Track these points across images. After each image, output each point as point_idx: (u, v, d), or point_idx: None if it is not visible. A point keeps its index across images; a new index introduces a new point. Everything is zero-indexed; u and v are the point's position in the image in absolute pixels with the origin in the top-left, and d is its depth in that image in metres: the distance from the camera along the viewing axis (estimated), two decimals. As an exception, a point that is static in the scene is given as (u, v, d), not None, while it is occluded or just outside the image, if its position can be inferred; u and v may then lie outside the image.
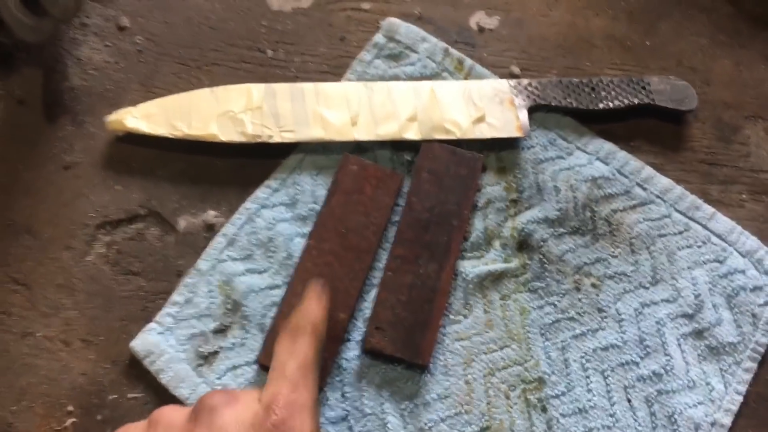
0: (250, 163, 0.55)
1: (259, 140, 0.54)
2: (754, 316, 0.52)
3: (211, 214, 0.54)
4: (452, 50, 0.59)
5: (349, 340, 0.50)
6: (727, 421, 0.50)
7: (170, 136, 0.53)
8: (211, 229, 0.53)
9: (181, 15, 0.60)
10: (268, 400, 0.38)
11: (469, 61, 0.59)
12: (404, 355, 0.48)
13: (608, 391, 0.50)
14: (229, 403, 0.38)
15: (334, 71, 0.59)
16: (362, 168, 0.53)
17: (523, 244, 0.54)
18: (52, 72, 0.57)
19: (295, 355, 0.41)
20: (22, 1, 0.50)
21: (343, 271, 0.50)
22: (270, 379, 0.40)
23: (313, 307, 0.44)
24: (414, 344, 0.49)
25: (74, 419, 0.48)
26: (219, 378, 0.48)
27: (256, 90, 0.55)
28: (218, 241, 0.52)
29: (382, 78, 0.58)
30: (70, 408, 0.48)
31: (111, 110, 0.55)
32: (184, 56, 0.59)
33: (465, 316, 0.51)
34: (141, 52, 0.59)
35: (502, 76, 0.59)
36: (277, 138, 0.54)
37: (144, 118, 0.54)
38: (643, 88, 0.57)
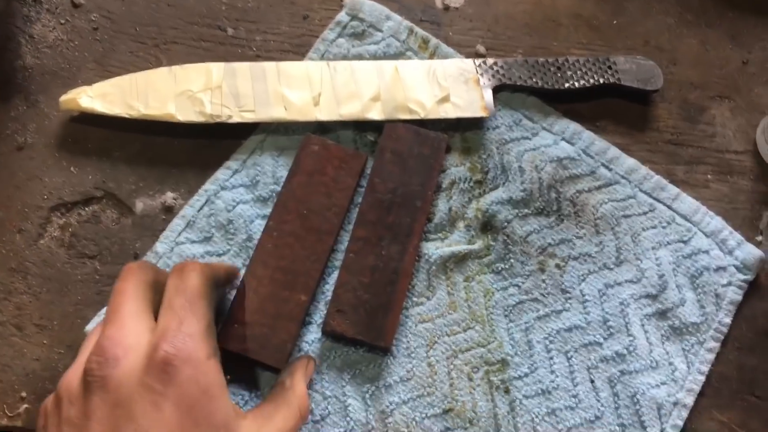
0: (209, 144, 0.54)
1: (218, 120, 0.52)
2: (717, 296, 0.52)
3: (169, 196, 0.52)
4: (417, 29, 0.58)
5: (310, 323, 0.50)
6: (690, 401, 0.49)
7: (126, 116, 0.52)
8: (169, 211, 0.52)
9: (138, -9, 0.59)
10: (156, 339, 0.37)
11: (434, 41, 0.58)
12: (366, 337, 0.48)
13: (571, 372, 0.50)
14: (125, 355, 0.36)
15: (296, 50, 0.58)
16: (324, 148, 0.52)
17: (487, 225, 0.53)
18: (3, 50, 0.56)
19: (181, 289, 0.39)
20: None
21: (304, 253, 0.49)
22: (159, 317, 0.39)
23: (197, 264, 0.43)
24: (376, 327, 0.48)
25: (27, 405, 0.47)
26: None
27: (215, 69, 0.54)
28: (176, 223, 0.51)
29: (345, 57, 0.57)
30: (23, 394, 0.47)
31: (65, 89, 0.53)
32: (141, 34, 0.57)
33: (428, 298, 0.51)
34: (96, 29, 0.57)
35: (467, 56, 0.58)
36: (237, 118, 0.53)
37: (99, 97, 0.53)
38: (609, 67, 0.57)
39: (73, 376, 0.38)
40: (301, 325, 0.48)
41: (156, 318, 0.39)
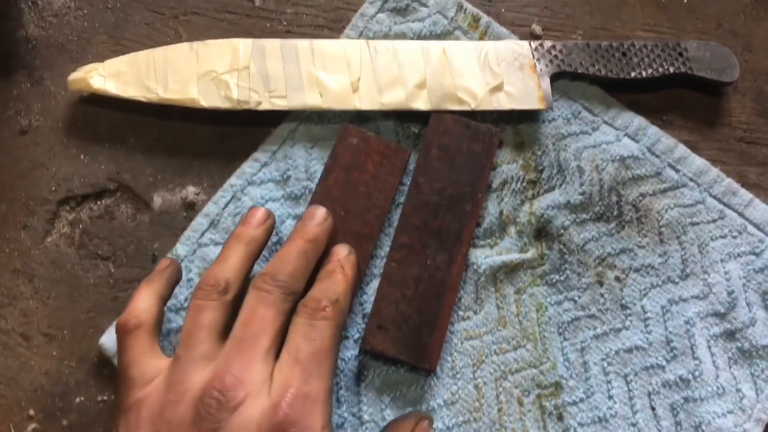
0: (235, 132, 0.48)
1: (246, 107, 0.47)
2: (790, 316, 0.47)
3: (190, 191, 0.47)
4: (467, 4, 0.52)
5: (346, 337, 0.45)
6: (758, 431, 0.45)
7: (143, 100, 0.46)
8: (190, 208, 0.47)
9: (155, -47, 0.52)
10: (277, 395, 0.35)
11: (485, 18, 0.52)
12: (408, 358, 0.43)
13: (630, 398, 0.45)
14: (244, 401, 0.34)
15: (331, 26, 0.52)
16: (364, 141, 0.47)
17: (542, 231, 0.48)
18: (4, 19, 0.50)
19: (311, 338, 0.37)
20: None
21: None
22: (280, 366, 0.36)
23: (337, 281, 0.40)
24: (419, 346, 0.44)
25: (36, 425, 0.43)
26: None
27: (242, 46, 0.48)
28: (199, 222, 0.46)
29: (387, 36, 0.51)
30: (31, 412, 0.43)
31: (73, 65, 0.48)
32: (159, 3, 0.51)
33: (475, 312, 0.46)
34: (108, -4, 0.51)
35: (521, 37, 0.52)
36: (266, 105, 0.47)
37: (112, 77, 0.47)
38: (680, 54, 0.51)
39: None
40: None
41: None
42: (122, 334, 0.38)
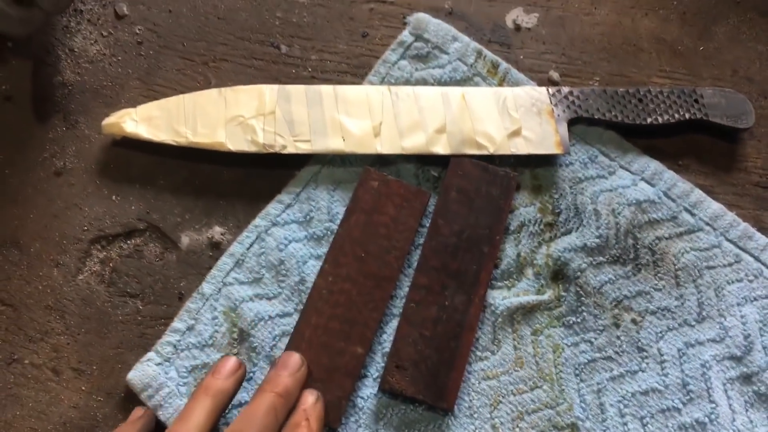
0: (260, 174, 0.50)
1: (271, 150, 0.49)
2: (807, 360, 0.48)
3: (216, 231, 0.49)
4: (486, 52, 0.53)
5: (365, 376, 0.46)
6: (775, 476, 0.46)
7: (173, 143, 0.48)
8: (216, 248, 0.49)
9: (186, 3, 0.54)
10: None
11: (504, 65, 0.53)
12: (426, 397, 0.44)
13: (647, 441, 0.46)
14: None
15: (354, 72, 0.53)
16: (384, 184, 0.48)
17: (559, 273, 0.49)
18: (42, 65, 0.52)
19: None
20: (7, -9, 0.44)
21: (361, 301, 0.46)
22: None
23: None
24: (437, 385, 0.44)
25: (64, 458, 0.44)
26: (223, 417, 0.44)
27: (269, 92, 0.50)
28: (224, 261, 0.48)
29: (408, 81, 0.53)
30: (60, 445, 0.44)
31: (107, 109, 0.50)
32: (189, 50, 0.53)
33: (493, 353, 0.47)
34: (141, 44, 0.53)
35: (540, 83, 0.53)
36: (291, 148, 0.49)
37: (144, 121, 0.49)
38: (696, 101, 0.52)
39: None
40: (356, 380, 0.45)
41: None
42: None
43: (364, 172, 0.49)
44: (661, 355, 0.47)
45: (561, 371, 0.47)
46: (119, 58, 0.53)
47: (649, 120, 0.51)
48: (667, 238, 0.50)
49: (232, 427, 0.39)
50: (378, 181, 0.48)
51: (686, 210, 0.51)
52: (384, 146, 0.49)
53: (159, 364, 0.45)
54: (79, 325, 0.47)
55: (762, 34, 0.56)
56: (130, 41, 0.53)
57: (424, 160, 0.51)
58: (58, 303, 0.47)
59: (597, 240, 0.49)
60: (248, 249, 0.48)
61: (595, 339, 0.48)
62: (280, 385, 0.41)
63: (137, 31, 0.53)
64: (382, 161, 0.50)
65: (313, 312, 0.45)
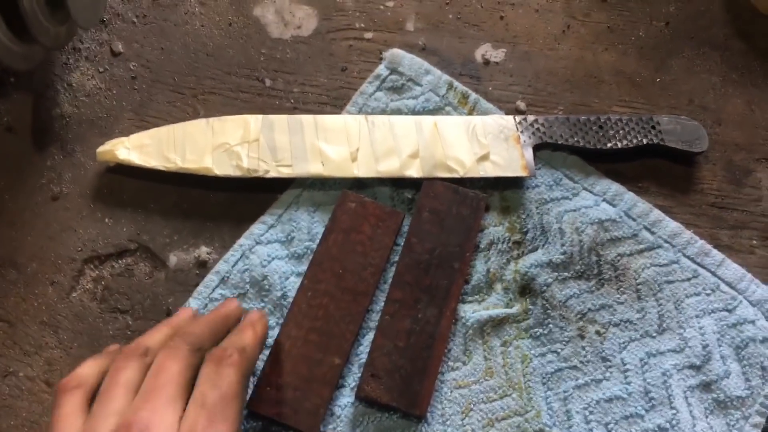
0: (244, 198, 0.53)
1: (255, 175, 0.52)
2: (763, 368, 0.50)
3: (203, 251, 0.52)
4: (456, 83, 0.57)
5: (343, 386, 0.48)
6: (735, 479, 0.48)
7: (163, 169, 0.52)
8: (203, 266, 0.51)
9: (177, 41, 0.58)
10: None
11: (473, 96, 0.57)
12: (400, 404, 0.47)
13: (612, 446, 0.48)
14: None
15: (334, 103, 0.57)
16: (361, 205, 0.51)
17: (526, 288, 0.52)
18: (41, 98, 0.56)
19: (217, 385, 0.38)
20: (10, 28, 0.48)
21: (339, 314, 0.49)
22: (187, 412, 0.36)
23: (246, 335, 0.42)
24: (411, 393, 0.47)
25: (55, 466, 0.46)
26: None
27: (253, 121, 0.54)
28: (210, 278, 0.51)
29: (384, 111, 0.56)
30: (52, 454, 0.46)
31: (102, 139, 0.53)
32: (180, 84, 0.57)
33: (464, 363, 0.50)
34: (135, 78, 0.57)
35: (507, 112, 0.57)
36: (273, 173, 0.52)
37: (136, 149, 0.52)
38: (653, 127, 0.56)
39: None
40: (334, 389, 0.47)
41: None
42: (60, 392, 0.38)
43: (342, 195, 0.52)
44: (624, 364, 0.50)
45: (529, 380, 0.50)
46: (114, 91, 0.56)
47: (609, 145, 0.55)
48: (628, 255, 0.53)
49: (178, 331, 0.41)
50: (355, 203, 0.51)
51: (646, 228, 0.54)
52: (361, 170, 0.53)
53: (147, 375, 0.48)
54: (71, 339, 0.49)
55: (715, 67, 0.60)
56: (124, 76, 0.57)
57: (399, 184, 0.54)
58: (52, 319, 0.49)
59: (562, 257, 0.52)
60: (233, 266, 0.51)
61: (561, 350, 0.50)
62: (224, 309, 0.44)
63: (131, 67, 0.57)
64: (359, 185, 0.54)
65: (293, 325, 0.48)
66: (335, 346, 0.48)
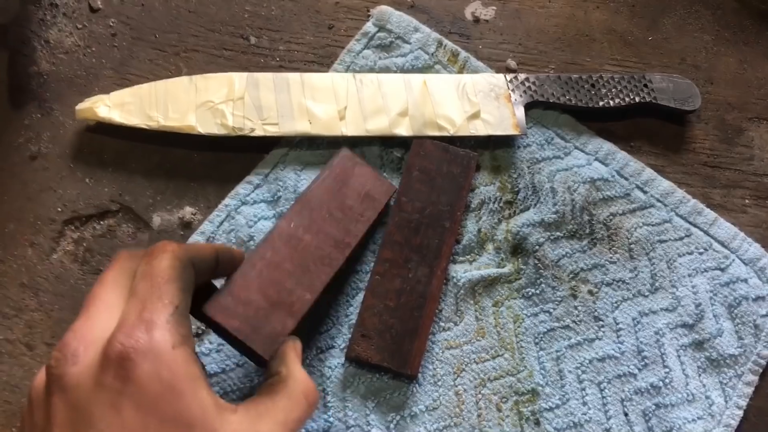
0: (229, 157, 0.52)
1: (240, 133, 0.50)
2: (756, 327, 0.50)
3: (187, 211, 0.50)
4: (446, 41, 0.56)
5: (332, 347, 0.48)
6: (727, 436, 0.47)
7: (145, 127, 0.50)
8: (187, 227, 0.50)
9: (158, -3, 0.57)
10: (114, 331, 0.33)
11: (463, 54, 0.56)
12: (391, 364, 0.46)
13: (604, 404, 0.48)
14: (86, 351, 0.33)
15: (321, 61, 0.56)
16: (360, 167, 0.49)
17: (518, 247, 0.51)
18: (18, 55, 0.54)
19: (147, 273, 0.35)
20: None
21: (318, 254, 0.45)
22: (122, 310, 0.34)
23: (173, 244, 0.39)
24: (402, 353, 0.46)
25: (37, 429, 0.45)
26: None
27: (238, 79, 0.52)
28: (195, 239, 0.49)
29: (372, 69, 0.55)
30: (33, 417, 0.45)
31: (81, 97, 0.52)
32: (161, 41, 0.55)
33: (456, 324, 0.49)
34: (114, 35, 0.55)
35: (498, 71, 0.56)
36: (259, 131, 0.51)
37: (117, 107, 0.51)
38: (645, 86, 0.55)
39: (42, 376, 0.34)
40: (298, 323, 0.43)
41: None
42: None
43: (343, 153, 0.49)
44: (617, 324, 0.50)
45: (521, 340, 0.49)
46: (93, 49, 0.55)
47: (601, 103, 0.54)
48: (620, 214, 0.52)
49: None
50: (354, 164, 0.49)
51: (638, 188, 0.53)
52: (349, 129, 0.51)
53: (131, 337, 0.46)
54: (52, 302, 0.48)
55: (707, 25, 0.59)
56: (103, 33, 0.55)
57: (388, 143, 0.53)
58: (32, 281, 0.48)
59: (554, 216, 0.51)
60: (218, 227, 0.50)
61: (554, 309, 0.50)
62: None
63: (111, 24, 0.55)
64: (348, 144, 0.52)
65: (269, 247, 0.44)
66: (308, 282, 0.44)
